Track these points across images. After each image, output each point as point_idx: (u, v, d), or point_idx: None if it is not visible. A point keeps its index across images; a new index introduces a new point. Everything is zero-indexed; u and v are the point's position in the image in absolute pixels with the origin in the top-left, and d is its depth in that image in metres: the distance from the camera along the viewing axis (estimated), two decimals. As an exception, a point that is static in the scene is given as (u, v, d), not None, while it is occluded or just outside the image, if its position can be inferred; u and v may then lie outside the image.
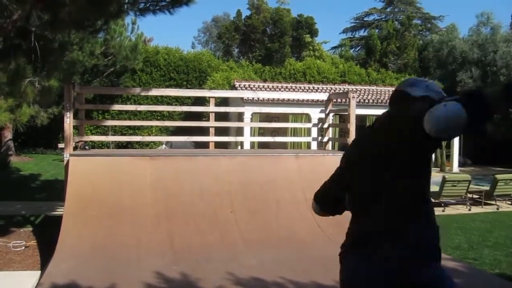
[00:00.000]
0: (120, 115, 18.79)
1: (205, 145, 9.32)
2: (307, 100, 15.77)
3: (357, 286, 1.87)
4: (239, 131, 15.11)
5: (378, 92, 18.72)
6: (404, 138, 1.73)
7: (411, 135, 1.69)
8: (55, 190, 10.11)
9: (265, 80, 20.13)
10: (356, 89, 18.69)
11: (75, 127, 7.87)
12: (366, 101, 17.16)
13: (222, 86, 18.20)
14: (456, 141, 17.84)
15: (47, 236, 6.08)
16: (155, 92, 12.52)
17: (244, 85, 17.49)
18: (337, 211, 2.17)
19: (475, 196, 10.10)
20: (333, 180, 2.13)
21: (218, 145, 13.55)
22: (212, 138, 8.39)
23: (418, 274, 1.81)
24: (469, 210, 9.45)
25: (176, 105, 17.60)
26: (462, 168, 18.32)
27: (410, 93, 1.88)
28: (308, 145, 13.86)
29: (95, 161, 6.54)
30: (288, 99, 15.78)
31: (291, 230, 6.11)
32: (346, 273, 1.93)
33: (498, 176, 9.94)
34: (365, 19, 37.23)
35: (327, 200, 2.17)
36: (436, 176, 15.61)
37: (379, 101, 17.37)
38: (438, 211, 9.20)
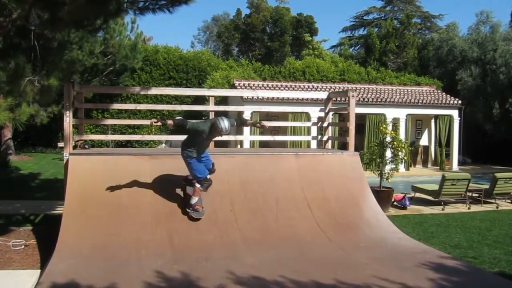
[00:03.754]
0: (119, 114, 18.80)
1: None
2: (307, 99, 15.77)
3: None
4: (239, 130, 15.10)
5: (378, 91, 18.69)
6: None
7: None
8: (55, 189, 10.12)
9: (264, 79, 20.13)
10: (356, 87, 18.67)
11: (74, 126, 7.87)
12: (366, 99, 17.13)
13: (222, 85, 18.21)
14: (456, 140, 17.84)
15: (47, 235, 6.09)
16: (154, 91, 12.46)
17: (244, 84, 17.47)
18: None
19: (474, 195, 10.09)
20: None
21: (218, 144, 13.58)
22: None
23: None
24: (469, 208, 9.45)
25: (175, 104, 17.63)
26: (462, 167, 18.32)
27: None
28: (308, 144, 13.80)
29: (95, 160, 6.54)
30: (288, 98, 15.77)
31: (291, 229, 6.12)
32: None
33: (498, 175, 9.95)
34: (364, 18, 37.24)
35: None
36: (435, 174, 15.64)
37: (379, 99, 17.34)
38: (437, 209, 9.21)
